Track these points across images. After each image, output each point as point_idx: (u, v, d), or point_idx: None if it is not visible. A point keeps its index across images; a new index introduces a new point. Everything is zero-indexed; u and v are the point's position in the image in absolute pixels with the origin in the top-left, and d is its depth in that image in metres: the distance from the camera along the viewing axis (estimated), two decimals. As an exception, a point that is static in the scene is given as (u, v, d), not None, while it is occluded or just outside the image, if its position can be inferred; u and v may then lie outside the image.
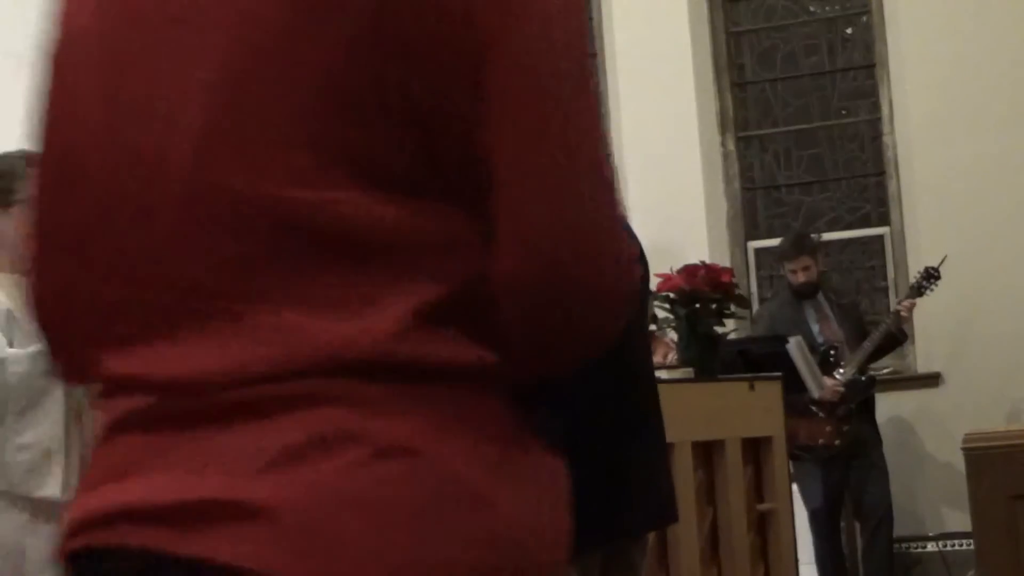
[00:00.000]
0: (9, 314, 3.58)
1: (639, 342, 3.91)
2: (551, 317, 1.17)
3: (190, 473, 1.13)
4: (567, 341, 1.19)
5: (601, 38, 9.03)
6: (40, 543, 3.45)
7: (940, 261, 7.27)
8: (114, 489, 1.16)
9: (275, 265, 1.13)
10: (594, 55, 9.10)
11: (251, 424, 1.12)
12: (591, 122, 1.18)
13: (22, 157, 3.70)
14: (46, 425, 3.45)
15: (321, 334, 1.12)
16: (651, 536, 4.06)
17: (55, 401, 3.47)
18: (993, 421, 6.73)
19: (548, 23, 1.15)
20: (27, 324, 3.54)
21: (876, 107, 8.44)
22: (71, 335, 1.25)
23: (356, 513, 1.09)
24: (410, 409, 1.12)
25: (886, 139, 8.36)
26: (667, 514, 3.95)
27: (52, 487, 3.43)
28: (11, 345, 3.53)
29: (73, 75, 1.27)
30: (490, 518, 1.13)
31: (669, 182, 8.50)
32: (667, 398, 3.91)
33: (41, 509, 3.46)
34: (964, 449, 4.09)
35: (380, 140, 1.13)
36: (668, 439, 3.90)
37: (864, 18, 8.57)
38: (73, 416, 3.52)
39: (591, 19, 9.15)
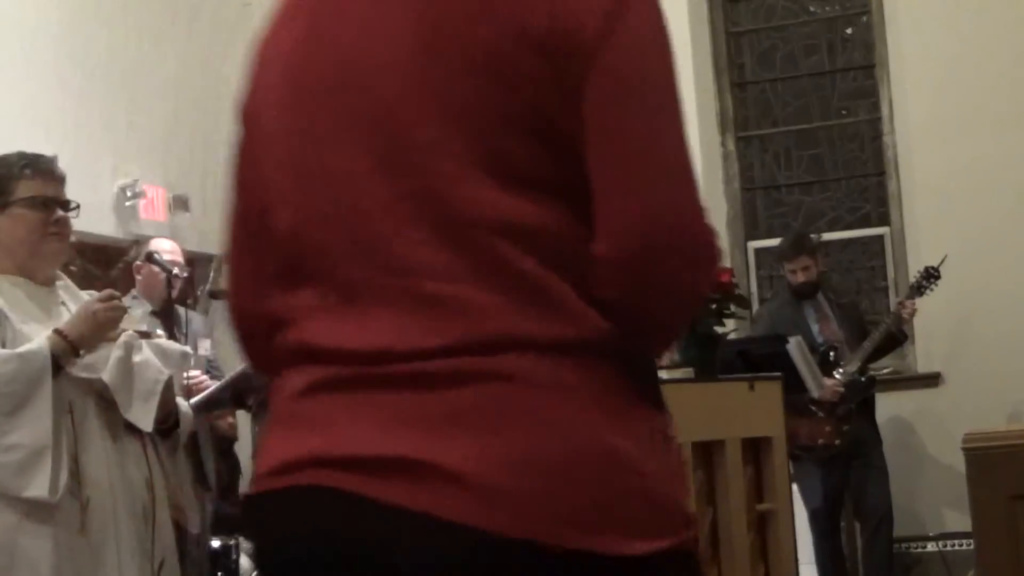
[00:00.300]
0: (2, 315, 3.55)
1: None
2: (646, 295, 1.41)
3: (382, 431, 1.37)
4: (664, 310, 1.45)
5: (601, 38, 9.03)
6: (32, 543, 3.43)
7: (940, 261, 7.27)
8: (312, 440, 1.41)
9: (468, 252, 1.38)
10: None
11: (437, 392, 1.36)
12: (674, 126, 1.46)
13: (19, 159, 3.70)
14: (35, 425, 3.42)
15: (498, 315, 1.37)
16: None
17: (44, 401, 3.43)
18: (993, 421, 6.72)
19: (638, 43, 1.41)
20: (21, 325, 3.54)
21: (876, 107, 8.43)
22: (263, 323, 1.53)
23: (530, 474, 1.33)
24: (572, 385, 1.37)
25: (886, 139, 8.35)
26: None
27: (41, 487, 3.39)
28: (3, 345, 3.50)
29: (262, 137, 1.59)
30: (642, 483, 1.39)
31: (669, 182, 8.49)
32: (667, 398, 3.91)
33: (32, 509, 3.43)
34: (964, 449, 4.09)
35: (527, 154, 1.40)
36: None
37: (864, 18, 8.57)
38: (64, 415, 3.49)
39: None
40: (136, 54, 8.26)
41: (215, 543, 6.15)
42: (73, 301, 3.72)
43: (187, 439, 3.96)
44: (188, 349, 3.99)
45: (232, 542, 6.55)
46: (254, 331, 1.58)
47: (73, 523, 3.47)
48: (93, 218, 6.03)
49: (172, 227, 8.35)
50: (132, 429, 3.61)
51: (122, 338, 3.59)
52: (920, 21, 8.06)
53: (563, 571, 1.35)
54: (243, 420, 6.96)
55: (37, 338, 3.50)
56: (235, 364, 5.87)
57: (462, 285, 1.38)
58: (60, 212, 3.67)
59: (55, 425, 3.44)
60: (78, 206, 3.75)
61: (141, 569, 3.59)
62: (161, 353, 3.71)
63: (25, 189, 3.63)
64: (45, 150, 3.82)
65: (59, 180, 3.70)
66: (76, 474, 3.47)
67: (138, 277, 6.05)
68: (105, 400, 3.57)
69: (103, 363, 3.56)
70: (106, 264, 6.10)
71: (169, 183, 8.37)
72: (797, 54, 8.73)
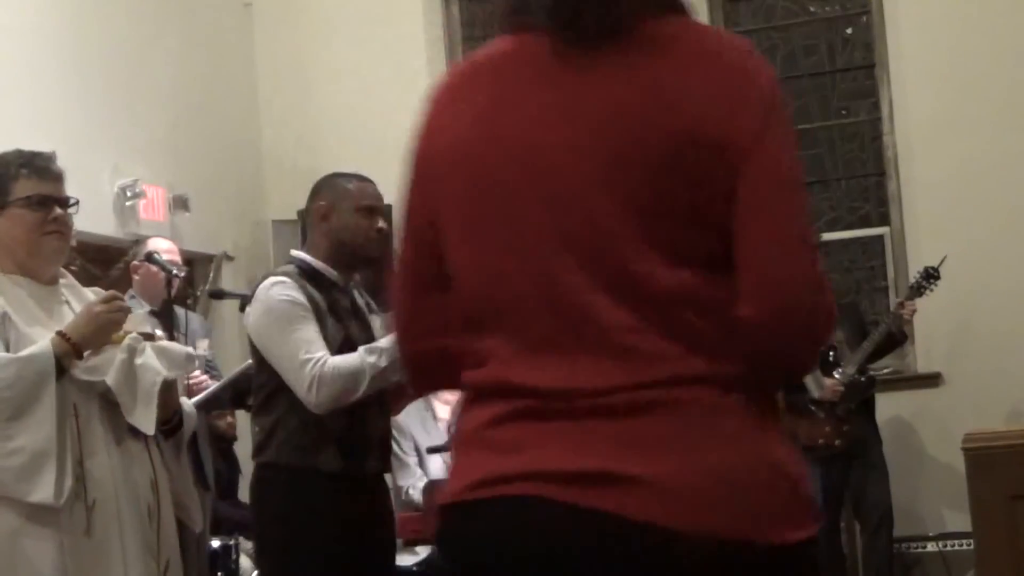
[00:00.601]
0: (5, 316, 3.54)
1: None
2: (780, 344, 1.74)
3: (574, 452, 1.69)
4: (790, 360, 1.80)
5: (601, 38, 9.03)
6: (34, 546, 3.43)
7: (940, 261, 7.26)
8: (511, 459, 1.72)
9: (649, 309, 1.72)
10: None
11: (621, 419, 1.69)
12: (805, 209, 1.78)
13: (15, 158, 3.69)
14: (39, 429, 3.41)
15: (666, 359, 1.71)
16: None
17: (48, 404, 3.42)
18: (993, 421, 6.72)
19: (785, 147, 1.76)
20: (24, 326, 3.53)
21: (876, 107, 8.43)
22: (435, 360, 1.87)
23: (709, 481, 1.66)
24: (732, 409, 1.72)
25: (886, 139, 8.35)
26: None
27: (46, 492, 3.39)
28: (7, 348, 3.49)
29: (443, 200, 1.82)
30: (793, 485, 1.74)
31: (669, 182, 8.49)
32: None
33: (36, 513, 3.43)
34: (964, 449, 4.09)
35: (693, 235, 1.73)
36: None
37: (864, 18, 8.57)
38: (69, 418, 3.49)
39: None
40: (136, 54, 8.25)
41: (215, 543, 6.15)
42: (77, 300, 3.72)
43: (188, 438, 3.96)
44: (192, 351, 3.99)
45: (232, 542, 6.56)
46: (425, 365, 1.92)
47: (79, 525, 3.47)
48: (93, 218, 6.04)
49: (172, 227, 8.35)
50: (135, 430, 3.61)
51: (126, 341, 3.59)
52: (920, 21, 8.06)
53: (739, 558, 1.67)
54: (243, 420, 6.96)
55: (40, 341, 3.49)
56: (234, 364, 5.88)
57: (641, 337, 1.72)
58: (58, 210, 3.66)
59: (60, 428, 3.44)
60: (77, 202, 3.74)
61: (147, 569, 3.59)
62: (165, 355, 3.70)
63: (22, 189, 3.62)
64: (45, 149, 3.81)
65: (57, 178, 3.69)
66: (81, 477, 3.47)
67: (135, 277, 6.04)
68: (108, 402, 3.56)
69: (106, 365, 3.55)
70: (106, 264, 6.10)
71: (169, 183, 8.37)
72: (797, 54, 8.72)
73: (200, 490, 5.05)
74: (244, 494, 6.26)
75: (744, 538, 1.68)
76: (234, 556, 6.62)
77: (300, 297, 3.93)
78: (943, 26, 7.98)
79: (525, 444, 1.72)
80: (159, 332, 4.11)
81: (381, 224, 4.08)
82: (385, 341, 3.94)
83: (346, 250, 4.05)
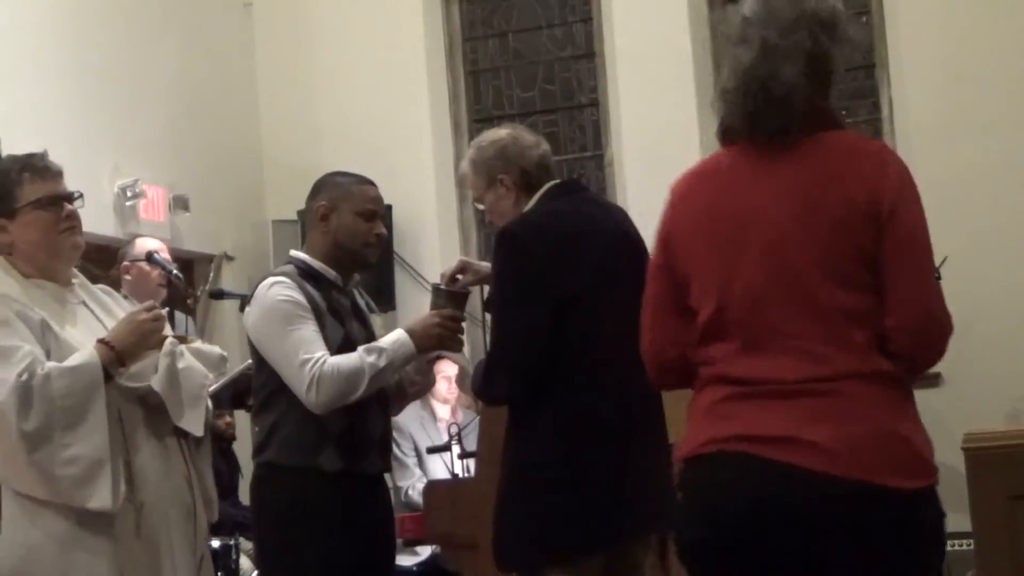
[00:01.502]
0: (44, 324, 3.56)
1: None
2: (918, 348, 2.65)
3: (775, 420, 2.58)
4: (927, 356, 2.70)
5: (601, 38, 9.02)
6: (89, 550, 3.48)
7: (940, 262, 7.25)
8: (730, 425, 2.62)
9: (822, 324, 2.59)
10: (594, 55, 9.11)
11: (803, 400, 2.57)
12: (931, 256, 2.65)
13: (13, 164, 3.69)
14: (93, 437, 3.45)
15: (830, 361, 2.58)
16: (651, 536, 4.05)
17: (99, 412, 3.47)
18: (993, 421, 6.71)
19: (915, 210, 2.63)
20: (63, 332, 3.55)
21: (876, 107, 8.43)
22: (678, 364, 2.79)
23: (858, 443, 2.53)
24: (875, 396, 2.59)
25: (886, 139, 8.34)
26: (671, 515, 3.94)
27: (103, 498, 3.44)
28: (48, 355, 3.51)
29: (685, 250, 2.74)
30: (914, 449, 2.63)
31: (669, 182, 8.47)
32: (667, 398, 3.90)
33: (88, 518, 3.47)
34: (964, 449, 4.09)
35: (853, 271, 2.60)
36: (669, 439, 3.90)
37: (864, 18, 8.57)
38: (115, 424, 3.53)
39: (592, 20, 9.15)
40: (136, 54, 8.26)
41: (215, 543, 6.14)
42: (92, 299, 3.76)
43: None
44: (224, 352, 4.02)
45: (232, 542, 6.56)
46: (670, 367, 2.81)
47: (130, 528, 3.53)
48: (93, 218, 6.03)
49: (172, 227, 8.36)
50: (172, 430, 3.68)
51: (166, 346, 3.65)
52: (920, 21, 8.06)
53: (877, 499, 2.54)
54: (243, 420, 6.96)
55: (83, 350, 3.53)
56: (234, 364, 5.87)
57: (814, 344, 2.60)
58: (68, 207, 3.68)
59: (110, 435, 3.49)
60: (81, 195, 3.76)
61: (192, 566, 3.68)
62: (200, 357, 3.77)
63: (29, 192, 3.63)
64: (45, 149, 3.81)
65: (58, 175, 3.70)
66: (131, 480, 3.53)
67: (127, 277, 5.99)
68: (147, 405, 3.62)
69: (147, 371, 3.61)
70: (106, 264, 6.09)
71: (169, 183, 8.37)
72: (797, 54, 8.71)
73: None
74: (244, 494, 6.27)
75: (876, 483, 2.53)
76: (234, 556, 6.62)
77: (299, 297, 3.93)
78: (943, 26, 7.98)
79: (737, 416, 2.63)
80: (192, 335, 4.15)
81: (380, 229, 4.06)
82: (385, 341, 3.94)
83: (343, 252, 4.04)
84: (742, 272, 2.64)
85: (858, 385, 2.58)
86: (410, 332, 3.94)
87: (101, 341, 3.55)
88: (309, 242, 4.11)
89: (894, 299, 2.59)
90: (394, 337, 3.93)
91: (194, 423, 3.69)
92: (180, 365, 3.66)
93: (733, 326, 2.65)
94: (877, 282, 2.59)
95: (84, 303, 3.73)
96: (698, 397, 2.72)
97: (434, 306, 3.99)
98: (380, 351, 3.89)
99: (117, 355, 3.54)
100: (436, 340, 3.95)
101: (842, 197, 2.60)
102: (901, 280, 2.59)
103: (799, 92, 2.71)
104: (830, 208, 2.60)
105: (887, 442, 2.57)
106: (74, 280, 3.75)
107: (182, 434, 3.72)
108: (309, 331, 3.89)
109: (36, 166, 3.67)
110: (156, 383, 3.60)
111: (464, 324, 4.03)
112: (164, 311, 3.75)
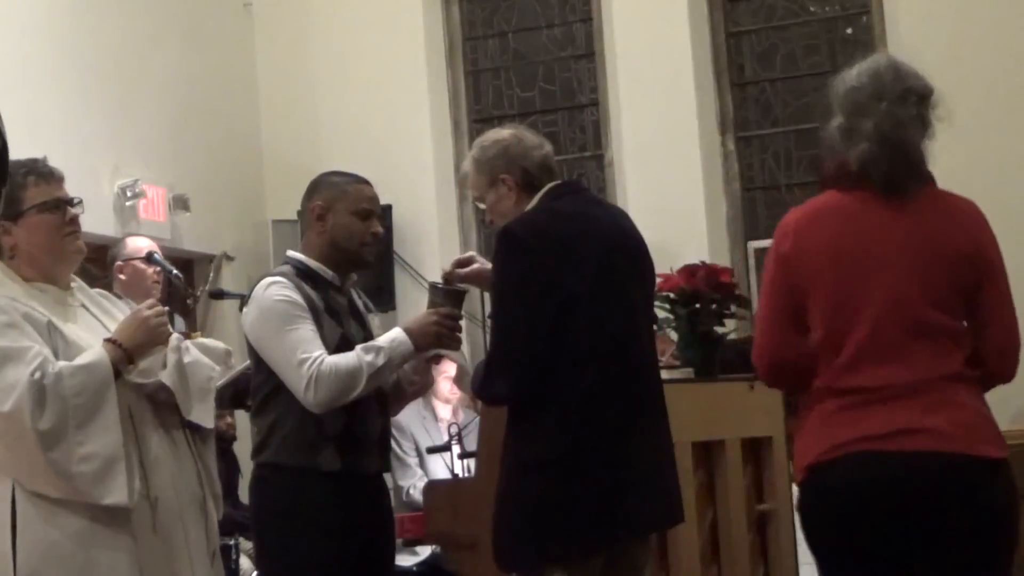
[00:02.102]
0: (51, 325, 3.57)
1: (646, 344, 3.91)
2: (1007, 365, 3.35)
3: (896, 415, 3.15)
4: (1010, 372, 3.36)
5: (601, 38, 9.02)
6: (108, 546, 3.49)
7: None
8: (857, 426, 3.16)
9: (930, 342, 3.21)
10: (594, 55, 9.10)
11: (918, 398, 3.17)
12: (1010, 293, 3.32)
13: (17, 168, 3.70)
14: (107, 433, 3.47)
15: (934, 367, 3.19)
16: (651, 536, 4.05)
17: (112, 410, 3.49)
18: (998, 421, 6.70)
19: (1000, 257, 3.38)
20: (69, 333, 3.56)
21: (876, 107, 8.41)
22: (793, 365, 3.31)
23: (961, 427, 3.18)
24: (969, 392, 3.24)
25: (886, 139, 8.33)
26: (672, 514, 3.94)
27: (120, 494, 3.46)
28: (56, 356, 3.52)
29: (809, 277, 3.25)
30: (994, 427, 3.27)
31: (669, 182, 8.50)
32: (667, 398, 3.90)
33: (104, 514, 3.48)
34: (964, 449, 4.08)
35: (954, 303, 3.26)
36: (672, 438, 3.90)
37: (864, 18, 8.57)
38: (126, 420, 3.54)
39: (592, 20, 9.15)
40: (136, 54, 8.26)
41: (215, 543, 6.14)
42: (90, 302, 3.78)
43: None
44: (230, 347, 4.04)
45: (232, 542, 6.56)
46: (786, 367, 3.33)
47: (146, 523, 3.55)
48: (93, 218, 6.02)
49: (172, 227, 8.36)
50: (179, 425, 3.70)
51: (172, 341, 3.68)
52: (920, 21, 8.06)
53: (977, 465, 3.15)
54: (242, 420, 6.96)
55: (91, 349, 3.55)
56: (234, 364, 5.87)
57: (922, 355, 3.19)
58: (71, 211, 3.70)
59: (123, 431, 3.51)
60: (81, 200, 3.78)
61: (206, 561, 3.72)
62: (206, 351, 3.81)
63: (34, 196, 3.66)
64: (45, 150, 3.83)
65: (60, 179, 3.74)
66: (144, 476, 3.55)
67: (121, 277, 5.95)
68: (155, 401, 3.65)
69: (155, 367, 3.65)
70: (106, 264, 6.08)
71: (169, 183, 8.37)
72: (797, 54, 8.73)
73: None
74: (244, 494, 6.27)
75: (977, 454, 3.16)
76: (234, 556, 6.63)
77: (296, 297, 3.93)
78: (943, 26, 7.97)
79: (855, 423, 3.17)
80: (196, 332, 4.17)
81: (376, 228, 4.06)
82: (382, 340, 3.93)
83: (340, 252, 4.04)
84: (867, 300, 3.21)
85: (956, 385, 3.22)
86: (407, 331, 3.94)
87: (108, 340, 3.58)
88: (306, 242, 4.10)
89: (992, 329, 3.30)
90: (392, 336, 3.93)
91: (204, 416, 3.73)
92: (187, 360, 3.69)
93: (851, 344, 3.21)
94: (966, 311, 3.28)
95: (84, 306, 3.75)
96: (818, 405, 3.26)
97: (431, 304, 3.99)
98: (378, 350, 3.89)
99: (125, 353, 3.56)
100: (434, 338, 3.95)
101: (952, 249, 3.27)
102: (996, 315, 3.29)
103: (925, 157, 3.54)
104: (943, 257, 3.25)
105: (982, 423, 3.23)
106: (72, 284, 3.77)
107: (189, 429, 3.75)
108: (307, 331, 3.90)
109: (40, 170, 3.70)
110: (166, 377, 3.63)
111: (462, 322, 4.03)
112: (166, 309, 3.76)
